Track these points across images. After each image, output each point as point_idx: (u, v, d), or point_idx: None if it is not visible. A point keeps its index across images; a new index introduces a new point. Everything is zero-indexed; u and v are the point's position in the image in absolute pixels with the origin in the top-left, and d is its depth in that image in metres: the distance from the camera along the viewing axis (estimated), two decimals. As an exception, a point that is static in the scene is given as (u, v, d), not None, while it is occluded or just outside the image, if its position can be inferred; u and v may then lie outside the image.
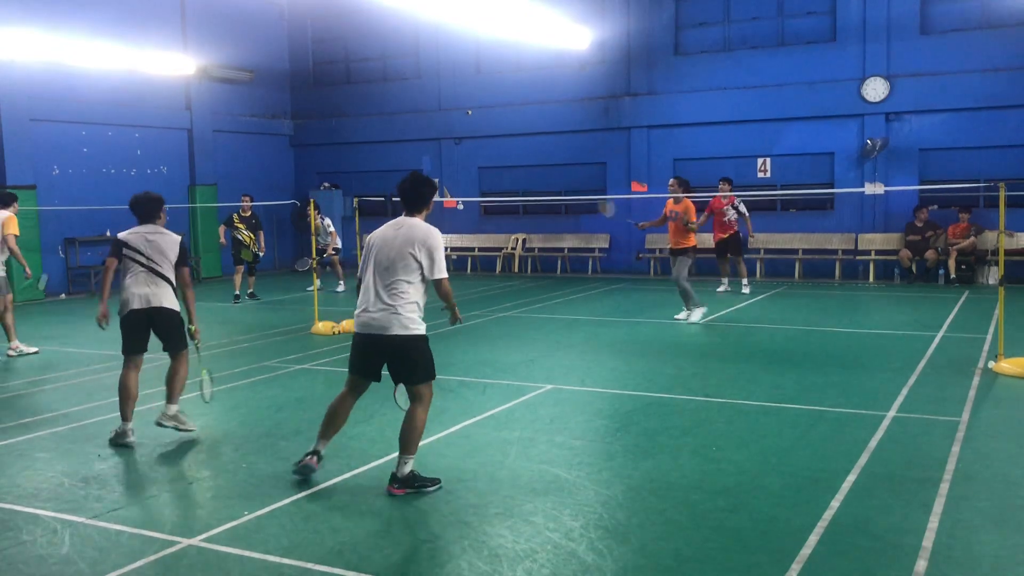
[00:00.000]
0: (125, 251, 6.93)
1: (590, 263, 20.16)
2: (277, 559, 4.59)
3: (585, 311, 13.87)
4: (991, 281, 15.90)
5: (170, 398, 6.99)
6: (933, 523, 4.86)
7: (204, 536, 4.92)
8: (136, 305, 6.84)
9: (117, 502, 5.52)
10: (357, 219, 12.64)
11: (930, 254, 16.59)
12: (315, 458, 5.84)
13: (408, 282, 5.59)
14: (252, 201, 16.47)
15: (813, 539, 4.69)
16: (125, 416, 6.85)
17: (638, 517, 5.10)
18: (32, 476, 6.12)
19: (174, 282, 7.00)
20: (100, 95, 18.43)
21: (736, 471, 5.87)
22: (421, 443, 5.79)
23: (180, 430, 6.97)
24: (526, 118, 20.72)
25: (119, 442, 6.77)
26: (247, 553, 4.67)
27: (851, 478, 5.64)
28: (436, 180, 6.70)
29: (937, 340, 10.57)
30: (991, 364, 8.85)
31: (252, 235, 16.03)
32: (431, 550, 4.71)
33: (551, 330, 11.96)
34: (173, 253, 6.97)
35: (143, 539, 4.91)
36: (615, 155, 20.06)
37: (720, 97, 18.82)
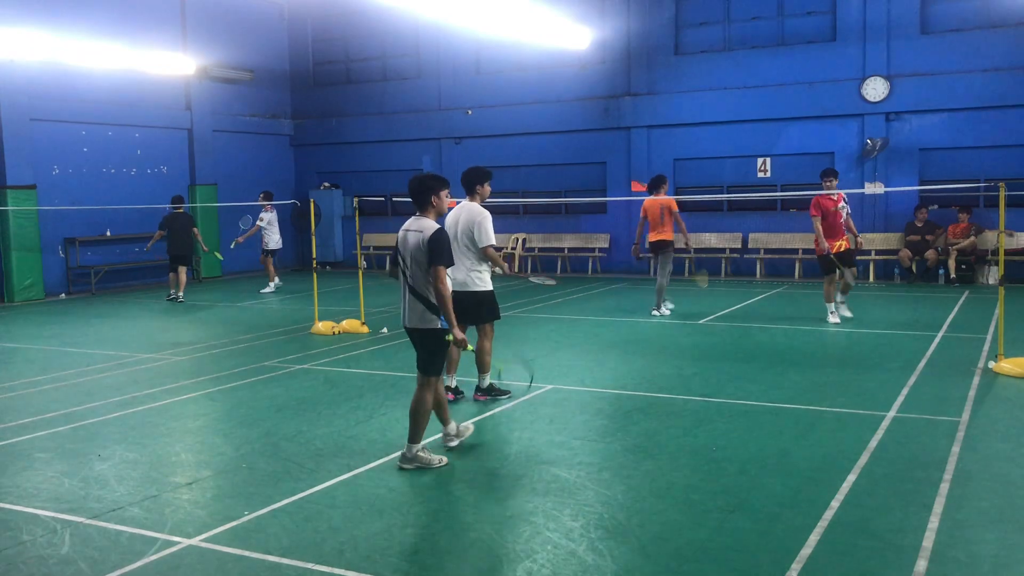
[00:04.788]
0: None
1: (590, 263, 20.15)
2: (277, 559, 4.59)
3: (585, 311, 13.86)
4: (991, 281, 15.89)
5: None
6: (933, 523, 4.86)
7: (204, 536, 4.92)
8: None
9: (117, 502, 5.52)
10: (357, 219, 12.62)
11: (930, 254, 16.58)
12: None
13: (474, 251, 7.45)
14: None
15: (813, 539, 4.69)
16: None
17: (638, 517, 5.10)
18: (32, 476, 6.12)
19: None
20: (100, 95, 18.42)
21: (736, 471, 5.87)
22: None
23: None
24: (526, 118, 20.70)
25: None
26: (247, 553, 4.68)
27: (851, 478, 5.64)
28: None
29: (937, 340, 10.57)
30: (991, 364, 8.85)
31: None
32: (431, 550, 4.71)
33: (551, 330, 11.96)
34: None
35: (143, 539, 4.91)
36: (615, 155, 20.05)
37: (720, 97, 18.81)
